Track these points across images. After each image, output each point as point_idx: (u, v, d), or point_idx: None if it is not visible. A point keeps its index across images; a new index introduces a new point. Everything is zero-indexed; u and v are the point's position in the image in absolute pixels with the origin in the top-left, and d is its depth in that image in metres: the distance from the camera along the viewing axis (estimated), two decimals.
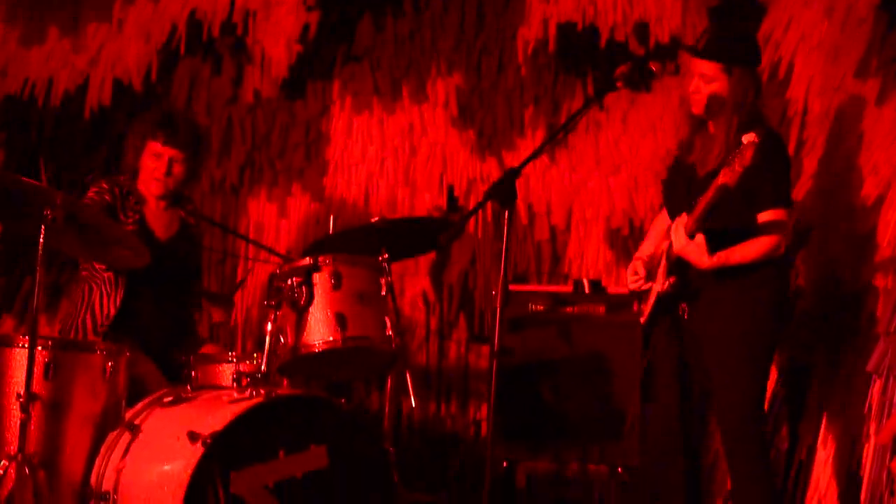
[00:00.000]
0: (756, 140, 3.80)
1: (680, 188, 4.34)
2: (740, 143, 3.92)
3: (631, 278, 4.43)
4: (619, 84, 3.96)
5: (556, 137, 6.11)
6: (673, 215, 4.31)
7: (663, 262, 4.27)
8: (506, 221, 3.69)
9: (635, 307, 4.59)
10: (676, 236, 4.06)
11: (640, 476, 5.18)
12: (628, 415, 5.28)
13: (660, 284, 4.26)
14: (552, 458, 5.39)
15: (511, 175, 3.72)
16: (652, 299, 4.33)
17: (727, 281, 4.13)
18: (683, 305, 4.25)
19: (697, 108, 4.22)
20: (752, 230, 4.13)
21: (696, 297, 4.20)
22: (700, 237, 4.00)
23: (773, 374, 5.31)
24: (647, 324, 4.41)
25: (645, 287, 4.40)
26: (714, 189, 3.86)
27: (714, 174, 4.02)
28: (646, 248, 4.54)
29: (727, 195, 3.87)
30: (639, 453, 5.16)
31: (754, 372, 4.22)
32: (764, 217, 4.13)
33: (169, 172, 4.77)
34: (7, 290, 6.23)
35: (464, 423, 6.24)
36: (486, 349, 6.23)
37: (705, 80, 4.16)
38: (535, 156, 3.87)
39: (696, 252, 4.02)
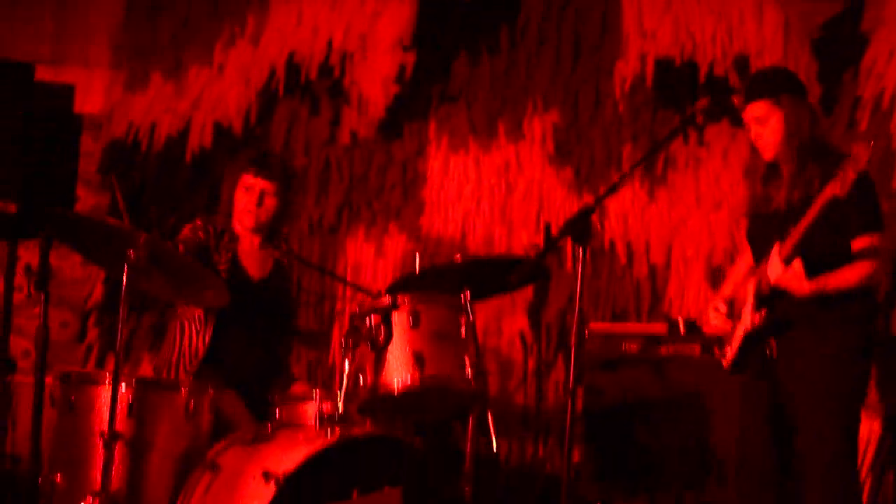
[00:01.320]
0: (871, 144, 3.68)
1: (766, 232, 4.21)
2: (831, 167, 3.82)
3: (713, 315, 4.30)
4: (698, 119, 3.87)
5: (647, 171, 6.02)
6: (759, 259, 4.20)
7: (750, 300, 4.13)
8: (580, 259, 3.63)
9: (717, 352, 4.44)
10: (772, 266, 3.93)
11: None
12: (725, 457, 5.14)
13: (748, 322, 4.12)
14: (647, 499, 5.26)
15: (586, 212, 3.65)
16: (737, 340, 4.19)
17: (817, 317, 3.99)
18: (772, 343, 4.11)
19: (767, 154, 4.11)
20: (846, 257, 3.99)
21: (786, 332, 4.06)
22: (797, 262, 3.87)
23: (878, 422, 5.13)
24: (732, 366, 4.27)
25: (726, 327, 4.27)
26: (821, 203, 3.73)
27: (800, 206, 3.93)
28: (725, 290, 4.42)
29: (836, 208, 3.75)
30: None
31: (846, 418, 4.04)
32: (859, 243, 3.97)
33: (260, 203, 4.80)
34: (113, 330, 6.35)
35: (563, 463, 6.13)
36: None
37: (760, 122, 4.07)
38: (609, 193, 3.81)
39: (795, 279, 3.89)
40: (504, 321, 6.29)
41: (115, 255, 3.99)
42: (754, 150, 4.20)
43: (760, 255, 4.21)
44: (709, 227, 6.25)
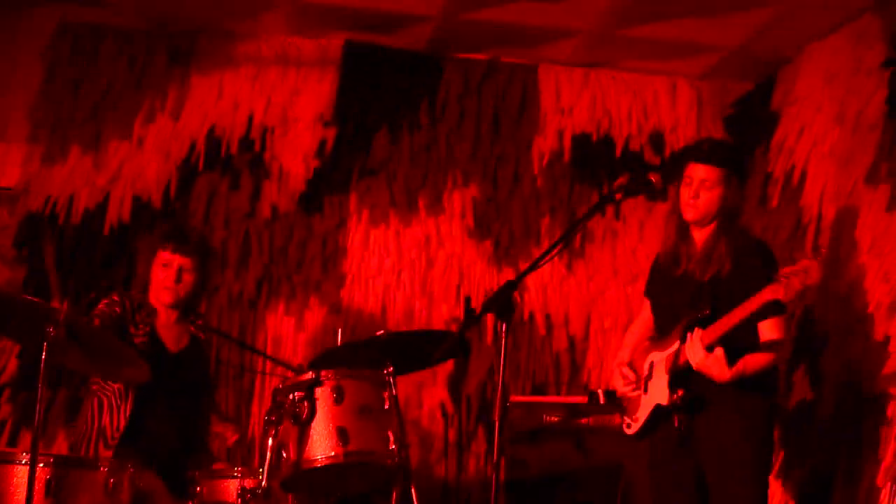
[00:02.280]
0: (820, 259, 3.82)
1: (671, 300, 4.30)
2: (736, 250, 4.07)
3: (622, 383, 4.39)
4: (617, 196, 3.97)
5: (567, 246, 6.10)
6: (663, 324, 4.30)
7: (664, 377, 4.19)
8: (503, 334, 3.66)
9: (617, 419, 4.50)
10: (694, 351, 4.01)
11: None
12: None
13: (663, 398, 4.17)
14: None
15: (508, 287, 3.70)
16: (645, 412, 4.26)
17: (729, 393, 4.07)
18: (680, 416, 4.16)
19: (694, 215, 4.21)
20: (755, 339, 4.10)
21: (701, 409, 4.14)
22: (719, 351, 3.97)
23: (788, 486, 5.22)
24: (638, 434, 4.33)
25: (633, 395, 4.35)
26: (759, 303, 3.84)
27: (717, 281, 4.05)
28: (624, 354, 4.51)
29: (773, 309, 3.90)
30: None
31: (759, 486, 4.13)
32: (767, 325, 4.10)
33: (178, 280, 4.81)
34: (26, 406, 6.23)
35: None
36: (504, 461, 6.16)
37: (706, 186, 4.17)
38: (532, 268, 3.86)
39: (717, 365, 3.99)
40: (424, 393, 6.30)
41: (34, 330, 3.94)
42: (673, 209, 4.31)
43: (662, 320, 4.30)
44: (626, 298, 6.35)
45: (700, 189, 4.18)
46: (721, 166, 4.18)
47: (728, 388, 4.05)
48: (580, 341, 6.38)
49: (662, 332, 4.32)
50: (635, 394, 4.34)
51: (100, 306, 4.83)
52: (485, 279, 6.40)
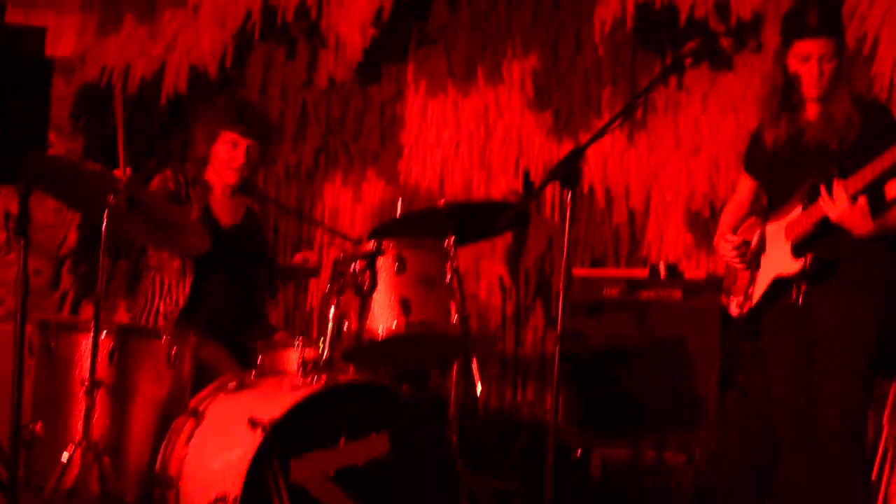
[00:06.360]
0: None
1: (790, 172, 4.06)
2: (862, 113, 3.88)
3: (729, 247, 4.17)
4: (687, 61, 3.80)
5: (630, 117, 5.95)
6: (777, 196, 4.11)
7: (776, 244, 4.02)
8: (569, 203, 3.59)
9: (724, 300, 4.33)
10: (837, 202, 3.77)
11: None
12: (706, 401, 5.17)
13: (786, 268, 3.97)
14: (628, 445, 5.28)
15: (575, 155, 3.59)
16: (762, 284, 4.08)
17: (859, 266, 3.89)
18: (803, 287, 3.96)
19: (819, 91, 3.98)
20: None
21: (825, 277, 3.92)
22: (863, 200, 3.74)
23: None
24: (753, 313, 4.14)
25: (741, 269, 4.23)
26: None
27: (844, 146, 3.89)
28: (728, 229, 4.30)
29: None
30: (718, 440, 5.10)
31: (867, 376, 3.92)
32: None
33: (248, 161, 4.74)
34: (88, 277, 6.29)
35: (541, 409, 6.15)
36: None
37: (826, 60, 3.95)
38: (599, 135, 3.71)
39: (861, 216, 3.75)
40: (482, 266, 6.27)
41: (94, 199, 3.93)
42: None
43: (775, 194, 4.13)
44: (688, 171, 6.22)
45: (822, 65, 3.95)
46: (837, 37, 3.97)
47: (857, 258, 3.87)
48: (640, 215, 6.27)
49: (776, 205, 4.12)
50: (742, 268, 4.16)
51: (154, 182, 4.79)
52: (544, 151, 6.29)
